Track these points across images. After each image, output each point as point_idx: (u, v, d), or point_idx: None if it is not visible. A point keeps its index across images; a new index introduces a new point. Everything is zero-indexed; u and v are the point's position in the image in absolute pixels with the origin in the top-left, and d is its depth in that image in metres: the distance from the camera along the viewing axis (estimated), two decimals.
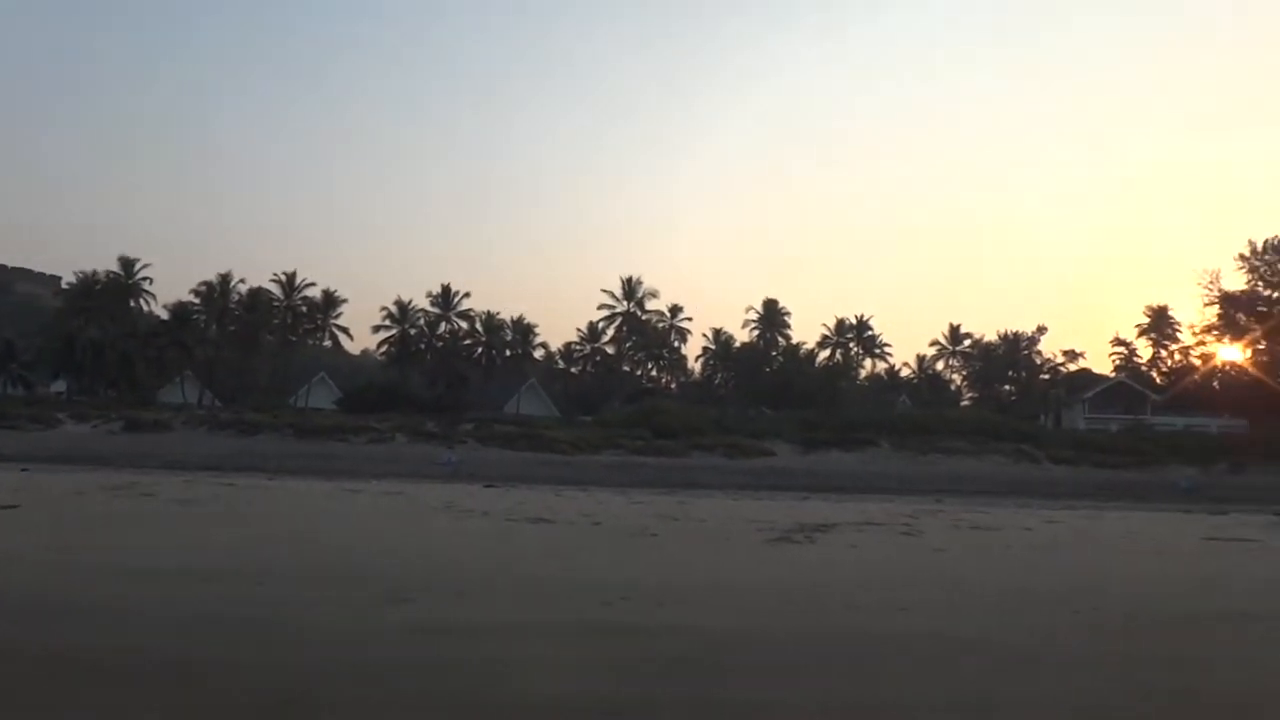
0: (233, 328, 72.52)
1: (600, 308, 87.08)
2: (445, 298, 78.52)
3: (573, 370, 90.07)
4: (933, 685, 5.38)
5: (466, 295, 78.89)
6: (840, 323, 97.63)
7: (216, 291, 71.53)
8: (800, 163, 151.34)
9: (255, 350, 72.75)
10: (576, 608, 7.29)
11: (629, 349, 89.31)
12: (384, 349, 78.11)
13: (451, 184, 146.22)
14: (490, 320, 78.18)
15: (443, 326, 78.39)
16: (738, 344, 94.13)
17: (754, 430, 48.94)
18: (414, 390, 68.05)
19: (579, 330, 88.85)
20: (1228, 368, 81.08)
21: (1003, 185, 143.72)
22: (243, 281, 72.90)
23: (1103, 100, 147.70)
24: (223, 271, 72.46)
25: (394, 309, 77.14)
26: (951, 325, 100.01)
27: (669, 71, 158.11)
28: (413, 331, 77.55)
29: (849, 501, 19.96)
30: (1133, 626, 7.26)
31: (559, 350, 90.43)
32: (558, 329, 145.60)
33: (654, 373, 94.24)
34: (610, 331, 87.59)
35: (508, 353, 79.81)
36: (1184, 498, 27.04)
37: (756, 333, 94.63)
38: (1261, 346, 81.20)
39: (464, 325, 78.72)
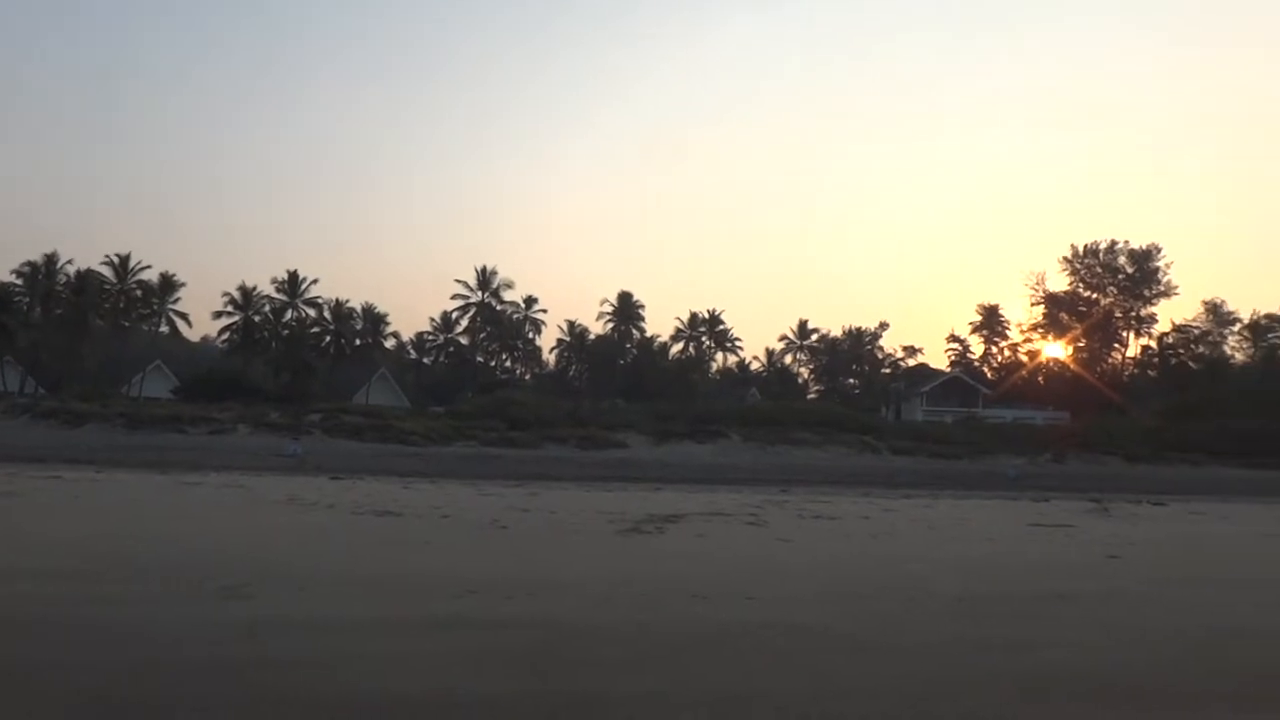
0: (59, 311, 67.91)
1: (454, 298, 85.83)
2: (292, 284, 75.67)
3: (425, 360, 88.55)
4: (776, 673, 5.50)
5: (315, 282, 76.24)
6: (694, 317, 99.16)
7: (41, 272, 66.79)
8: (656, 159, 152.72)
9: (84, 335, 68.24)
10: (422, 602, 7.13)
11: (483, 340, 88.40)
12: (226, 336, 74.69)
13: (301, 168, 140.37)
14: (339, 308, 75.83)
15: (289, 314, 75.56)
16: (593, 336, 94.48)
17: (608, 422, 49.17)
18: (257, 379, 65.33)
19: (432, 320, 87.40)
20: (1052, 364, 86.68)
21: (849, 185, 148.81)
22: (70, 263, 68.42)
23: (943, 103, 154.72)
24: (48, 251, 67.89)
25: (237, 295, 73.87)
26: (800, 321, 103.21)
27: (532, 68, 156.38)
28: (257, 318, 74.46)
29: (699, 492, 20.27)
30: (962, 609, 7.62)
31: (411, 340, 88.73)
32: (410, 319, 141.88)
33: (508, 364, 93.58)
34: (464, 322, 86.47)
35: (357, 342, 77.64)
36: (1011, 486, 28.63)
37: (611, 325, 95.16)
38: (1081, 344, 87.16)
39: (311, 313, 76.09)
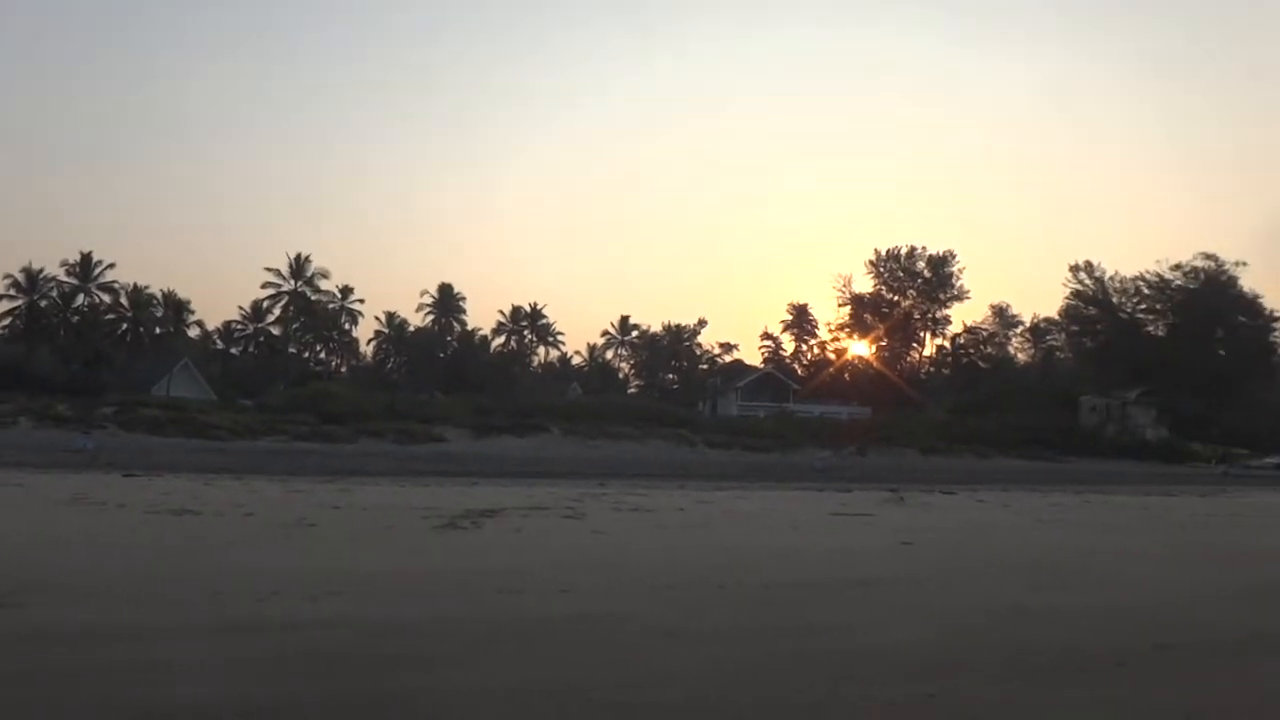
0: None
1: (265, 286, 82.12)
2: (84, 267, 70.32)
3: (233, 351, 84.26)
4: (587, 663, 5.57)
5: (110, 266, 71.16)
6: (516, 310, 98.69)
7: None
8: (479, 149, 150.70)
9: None
10: (221, 605, 6.79)
11: (296, 330, 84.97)
12: (7, 322, 68.76)
13: (91, 141, 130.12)
14: (137, 294, 71.04)
15: (81, 299, 70.32)
16: (412, 328, 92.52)
17: (426, 415, 48.25)
18: (43, 369, 60.30)
19: (241, 309, 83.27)
20: (857, 361, 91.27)
21: (669, 184, 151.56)
22: None
23: (753, 110, 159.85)
24: None
25: (20, 278, 68.07)
26: (622, 316, 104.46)
27: (348, 53, 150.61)
28: (43, 304, 68.89)
29: (518, 486, 20.20)
30: (769, 596, 7.94)
31: (218, 329, 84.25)
32: (217, 307, 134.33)
33: (323, 355, 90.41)
34: (276, 311, 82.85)
35: (157, 330, 73.02)
36: (818, 477, 29.82)
37: (431, 317, 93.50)
38: (884, 343, 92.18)
39: (106, 298, 71.09)
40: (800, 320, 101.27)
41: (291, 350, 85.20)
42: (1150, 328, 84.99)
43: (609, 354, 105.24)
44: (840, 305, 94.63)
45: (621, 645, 6.04)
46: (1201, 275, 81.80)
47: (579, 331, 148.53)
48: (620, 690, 5.02)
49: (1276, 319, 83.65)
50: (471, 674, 5.26)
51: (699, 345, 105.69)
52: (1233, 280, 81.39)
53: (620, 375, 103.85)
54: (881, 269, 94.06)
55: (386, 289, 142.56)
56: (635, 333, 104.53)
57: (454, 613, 6.82)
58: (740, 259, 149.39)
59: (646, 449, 44.10)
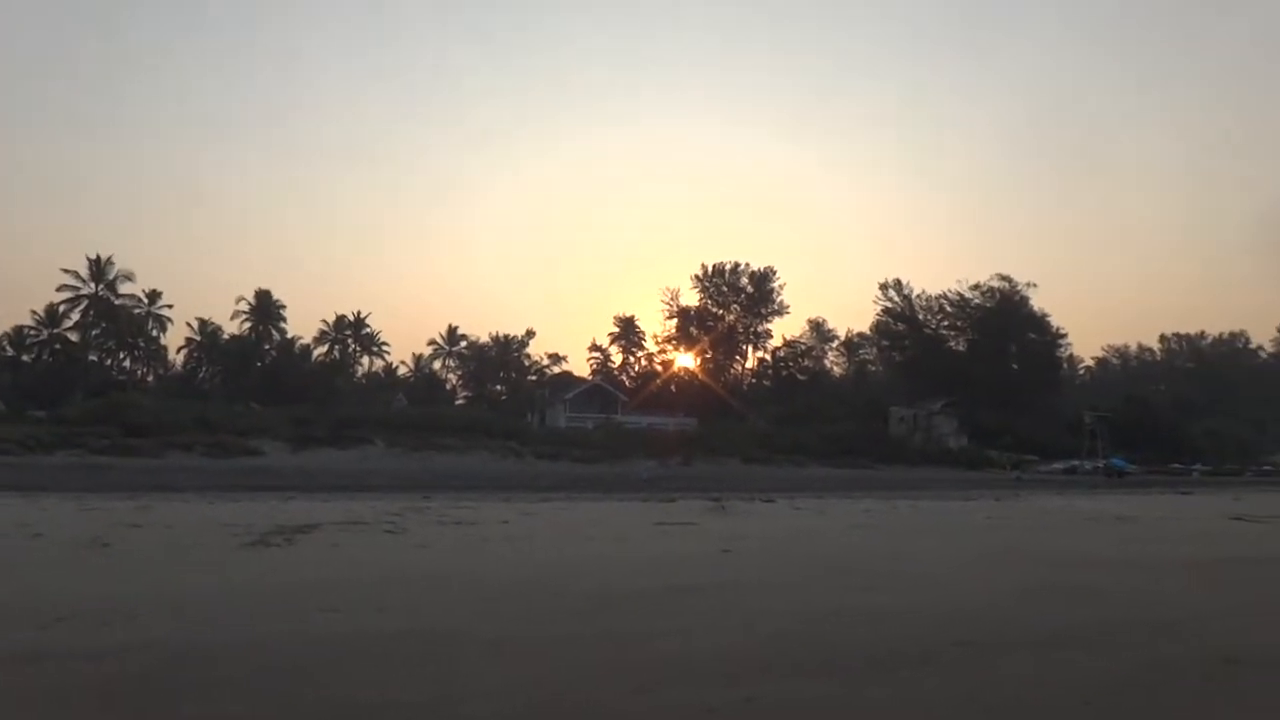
0: None
1: (61, 289, 76.34)
2: None
3: (25, 358, 77.82)
4: (406, 681, 5.40)
5: None
6: (339, 319, 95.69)
7: None
8: (300, 150, 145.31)
9: None
10: None
11: (97, 336, 79.39)
12: None
13: None
14: None
15: None
16: (226, 336, 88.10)
17: (241, 427, 45.89)
18: None
19: (34, 313, 77.04)
20: (683, 373, 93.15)
21: (496, 193, 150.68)
22: None
23: (582, 127, 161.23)
24: None
25: None
26: (450, 326, 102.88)
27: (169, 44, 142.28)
28: None
29: (338, 500, 19.46)
30: (592, 606, 7.93)
31: (7, 334, 77.62)
32: (7, 311, 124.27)
33: (127, 364, 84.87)
34: (74, 316, 77.15)
35: None
36: (644, 488, 30.14)
37: (248, 325, 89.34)
38: (709, 356, 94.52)
39: None
40: (628, 332, 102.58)
41: (92, 358, 79.62)
42: (952, 343, 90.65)
43: (436, 364, 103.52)
44: (667, 318, 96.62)
45: (441, 660, 5.90)
46: (997, 295, 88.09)
47: (405, 341, 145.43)
48: (444, 706, 4.90)
49: (1062, 336, 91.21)
50: (277, 699, 5.01)
51: (528, 356, 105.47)
52: (1024, 300, 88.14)
53: (447, 386, 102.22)
54: (707, 284, 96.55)
55: (199, 295, 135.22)
56: (463, 343, 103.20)
57: (258, 635, 6.47)
58: (569, 271, 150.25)
59: (473, 460, 43.48)
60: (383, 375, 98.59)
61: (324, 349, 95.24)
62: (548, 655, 6.08)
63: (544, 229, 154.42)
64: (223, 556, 10.39)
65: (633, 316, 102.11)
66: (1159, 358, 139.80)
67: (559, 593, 8.47)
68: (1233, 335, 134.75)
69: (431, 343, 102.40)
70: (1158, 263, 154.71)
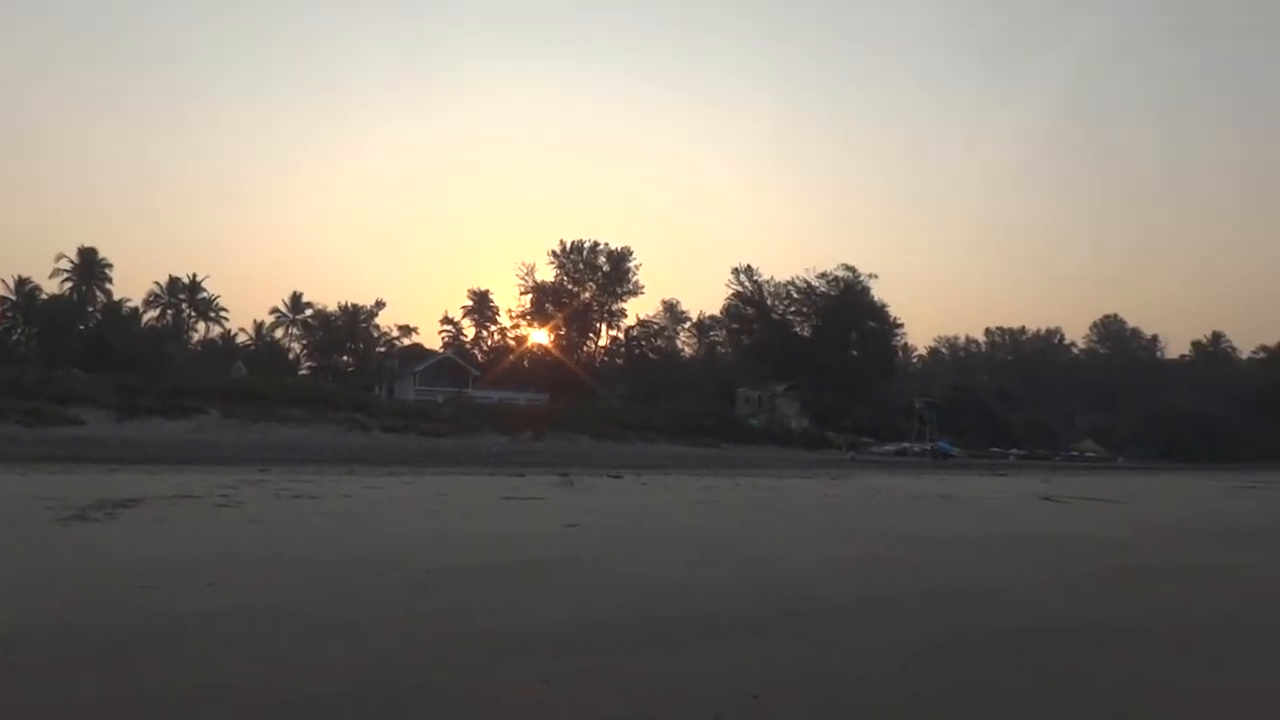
0: None
1: None
2: None
3: None
4: (235, 661, 5.24)
5: None
6: (173, 281, 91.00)
7: None
8: (132, 95, 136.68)
9: None
10: None
11: None
12: None
13: None
14: None
15: None
16: (45, 296, 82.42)
17: (60, 394, 42.97)
18: None
19: None
20: (536, 349, 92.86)
21: (349, 161, 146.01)
22: None
23: (441, 100, 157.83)
24: None
25: None
26: (294, 293, 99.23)
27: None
28: None
29: (167, 473, 18.56)
30: (433, 581, 7.87)
31: None
32: None
33: None
34: None
35: None
36: (494, 462, 29.98)
37: (70, 285, 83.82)
38: (562, 332, 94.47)
39: None
40: (481, 306, 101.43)
41: None
42: (798, 328, 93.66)
43: (278, 332, 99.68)
44: (522, 293, 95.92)
45: (275, 639, 5.75)
46: (841, 284, 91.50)
47: (245, 308, 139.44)
48: (275, 687, 4.78)
49: (899, 326, 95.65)
50: (99, 682, 4.79)
51: (376, 327, 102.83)
52: (866, 290, 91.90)
53: (291, 355, 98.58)
54: (564, 260, 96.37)
55: (12, 252, 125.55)
56: (309, 311, 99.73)
57: (75, 616, 6.13)
58: (423, 242, 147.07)
59: (316, 433, 42.14)
60: (220, 343, 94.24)
61: (155, 313, 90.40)
62: (387, 632, 6.01)
63: (397, 197, 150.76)
64: (35, 532, 9.78)
65: (487, 290, 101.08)
66: (984, 350, 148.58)
67: (401, 568, 8.36)
68: (1049, 331, 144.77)
69: (274, 310, 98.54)
70: (993, 263, 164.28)
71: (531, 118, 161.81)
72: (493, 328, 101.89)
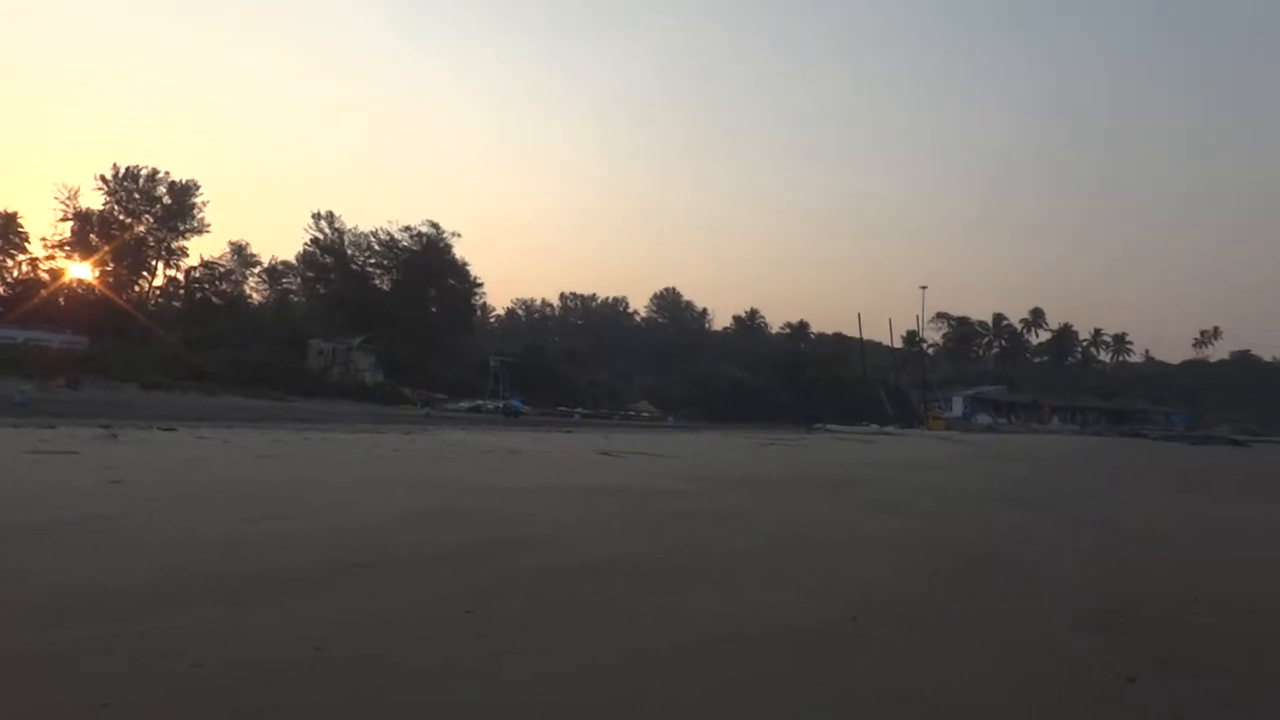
0: None
1: None
2: None
3: None
4: None
5: None
6: None
7: None
8: None
9: None
10: None
11: None
12: None
13: None
14: None
15: None
16: None
17: None
18: None
19: None
20: (75, 285, 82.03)
21: None
22: None
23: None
24: None
25: None
26: None
27: None
28: None
29: None
30: None
31: None
32: None
33: None
34: None
35: None
36: (17, 412, 26.40)
37: None
38: (110, 268, 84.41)
39: None
40: (7, 232, 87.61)
41: None
42: (377, 281, 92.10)
43: None
44: (61, 220, 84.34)
45: None
46: (424, 240, 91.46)
47: None
48: None
49: (479, 285, 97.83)
50: None
51: None
52: (449, 247, 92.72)
53: None
54: (116, 188, 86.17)
55: None
56: None
57: None
58: None
59: None
60: None
61: None
62: None
63: None
64: None
65: (15, 213, 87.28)
66: (558, 313, 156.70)
67: None
68: (616, 299, 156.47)
69: None
70: (572, 236, 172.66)
71: (97, 21, 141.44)
72: (21, 257, 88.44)
